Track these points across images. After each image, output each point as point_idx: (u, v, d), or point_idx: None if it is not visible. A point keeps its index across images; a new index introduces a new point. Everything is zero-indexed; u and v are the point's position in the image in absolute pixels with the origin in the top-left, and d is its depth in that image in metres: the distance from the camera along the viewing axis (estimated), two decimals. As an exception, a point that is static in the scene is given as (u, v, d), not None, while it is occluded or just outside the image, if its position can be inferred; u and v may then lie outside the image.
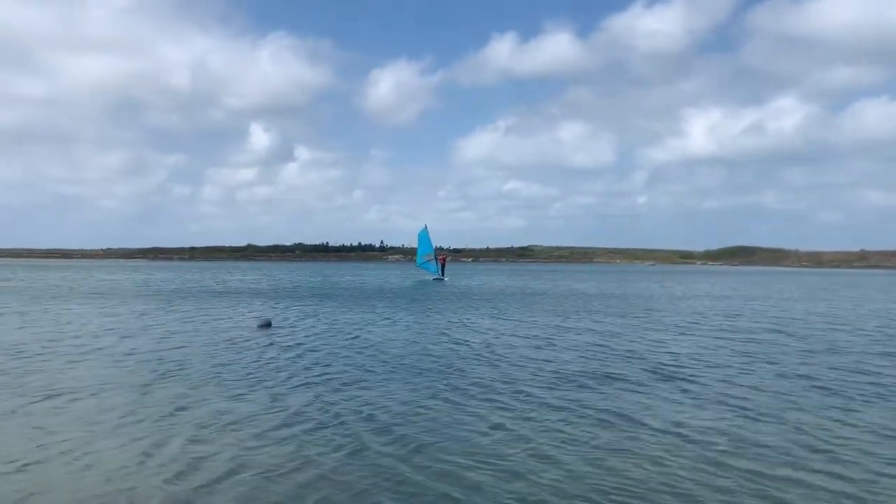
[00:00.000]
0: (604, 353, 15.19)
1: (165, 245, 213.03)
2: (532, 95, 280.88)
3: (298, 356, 14.26)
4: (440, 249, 64.06)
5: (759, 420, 9.27)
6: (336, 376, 12.03)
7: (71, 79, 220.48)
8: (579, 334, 18.61)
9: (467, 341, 16.88)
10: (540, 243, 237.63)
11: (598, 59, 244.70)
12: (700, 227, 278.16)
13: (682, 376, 12.36)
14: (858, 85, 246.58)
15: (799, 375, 12.57)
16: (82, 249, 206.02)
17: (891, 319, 24.42)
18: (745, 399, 10.50)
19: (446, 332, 18.92)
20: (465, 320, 22.16)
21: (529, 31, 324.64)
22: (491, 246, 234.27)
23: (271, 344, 16.07)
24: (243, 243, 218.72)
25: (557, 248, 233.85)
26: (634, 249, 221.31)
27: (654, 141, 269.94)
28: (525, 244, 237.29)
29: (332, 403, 9.94)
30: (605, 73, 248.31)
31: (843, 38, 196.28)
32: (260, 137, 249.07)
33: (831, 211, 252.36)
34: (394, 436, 8.38)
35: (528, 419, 9.18)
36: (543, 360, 14.08)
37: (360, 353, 14.82)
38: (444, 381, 11.65)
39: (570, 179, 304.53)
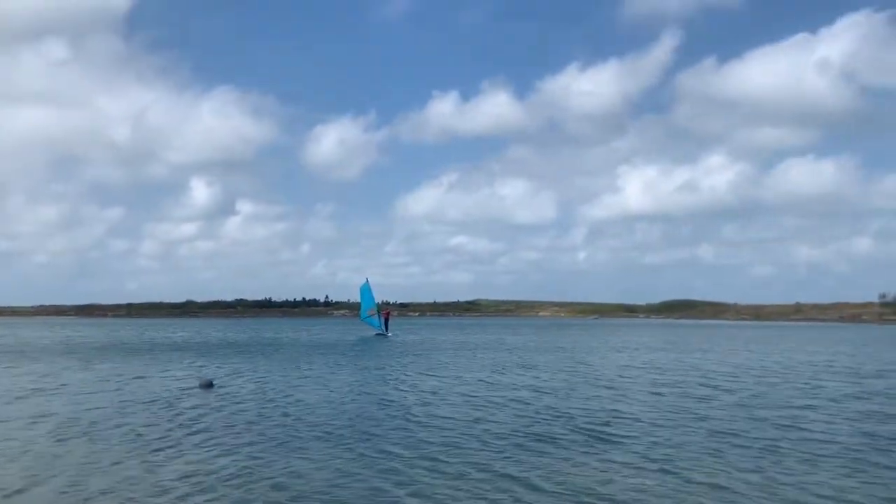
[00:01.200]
0: (529, 411, 14.79)
1: (102, 301, 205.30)
2: (474, 153, 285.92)
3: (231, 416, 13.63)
4: (385, 304, 63.27)
5: (684, 480, 8.97)
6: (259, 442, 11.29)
7: (4, 130, 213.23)
8: (514, 389, 18.22)
9: (396, 401, 16.29)
10: (486, 297, 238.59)
11: (535, 119, 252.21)
12: (641, 281, 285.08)
13: (605, 435, 12.05)
14: (784, 144, 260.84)
15: (722, 432, 12.41)
16: (11, 307, 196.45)
17: (819, 370, 24.82)
18: (668, 459, 10.21)
19: (380, 390, 18.33)
20: (400, 378, 21.56)
21: (469, 90, 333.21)
22: (438, 300, 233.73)
23: (205, 405, 15.33)
24: (183, 299, 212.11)
25: (504, 302, 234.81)
26: (580, 303, 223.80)
27: (593, 198, 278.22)
28: (472, 298, 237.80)
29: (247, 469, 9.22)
30: (543, 132, 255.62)
31: (764, 101, 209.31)
32: (202, 191, 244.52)
33: (765, 265, 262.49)
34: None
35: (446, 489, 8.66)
36: (472, 420, 13.60)
37: (288, 415, 14.10)
38: (365, 446, 11.05)
39: (515, 235, 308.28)
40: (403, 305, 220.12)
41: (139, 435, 11.80)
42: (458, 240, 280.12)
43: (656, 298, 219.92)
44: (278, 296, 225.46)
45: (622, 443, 11.41)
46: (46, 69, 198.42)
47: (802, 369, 25.63)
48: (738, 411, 14.83)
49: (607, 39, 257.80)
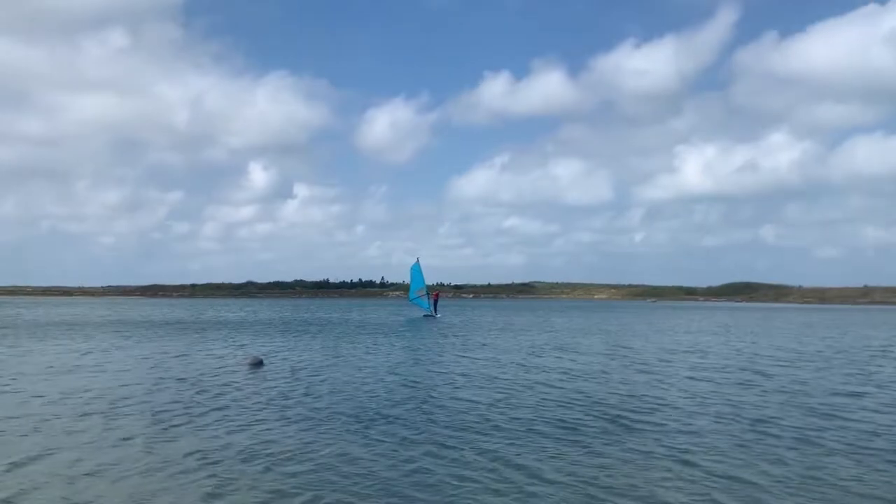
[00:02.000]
0: (555, 395, 14.29)
1: (165, 282, 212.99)
2: (526, 133, 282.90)
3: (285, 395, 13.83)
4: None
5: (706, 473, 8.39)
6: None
7: (69, 117, 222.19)
8: (545, 372, 17.73)
9: (422, 381, 16.04)
10: (541, 279, 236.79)
11: (589, 98, 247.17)
12: (700, 264, 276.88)
13: (628, 422, 11.49)
14: (850, 122, 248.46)
15: (756, 419, 11.67)
16: (82, 287, 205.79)
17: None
18: (689, 449, 9.61)
19: (410, 371, 18.12)
20: (433, 359, 21.32)
21: (521, 70, 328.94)
22: (492, 282, 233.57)
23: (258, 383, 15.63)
24: (243, 280, 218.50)
25: (558, 285, 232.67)
26: (637, 286, 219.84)
27: (649, 178, 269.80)
28: (526, 280, 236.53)
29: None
30: (596, 112, 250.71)
31: (829, 76, 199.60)
32: (259, 175, 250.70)
33: (830, 247, 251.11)
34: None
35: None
36: (492, 402, 13.21)
37: (309, 394, 14.05)
38: (375, 428, 10.81)
39: (569, 216, 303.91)
40: (458, 287, 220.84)
41: (159, 412, 11.88)
42: (512, 221, 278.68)
43: (716, 281, 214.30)
44: (335, 277, 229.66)
45: (644, 430, 10.83)
46: (108, 57, 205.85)
47: (856, 353, 24.26)
48: (775, 398, 13.98)
49: (662, 15, 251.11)
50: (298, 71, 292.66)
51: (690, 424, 11.30)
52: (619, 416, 12.00)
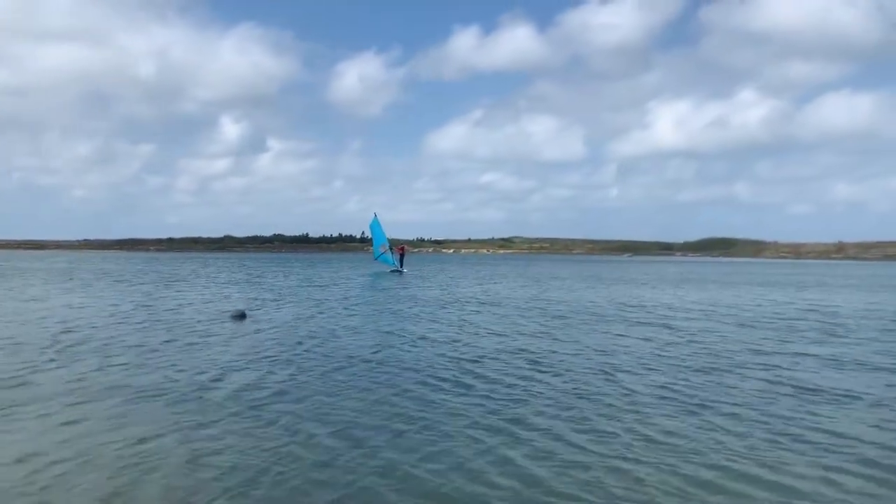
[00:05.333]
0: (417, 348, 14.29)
1: (142, 236, 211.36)
2: (498, 88, 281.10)
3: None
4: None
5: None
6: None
7: (35, 66, 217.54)
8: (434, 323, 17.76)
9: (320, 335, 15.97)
10: (522, 234, 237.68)
11: (558, 54, 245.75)
12: (676, 219, 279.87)
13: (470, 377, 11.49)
14: (816, 79, 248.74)
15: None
16: (57, 240, 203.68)
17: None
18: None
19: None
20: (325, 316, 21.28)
21: (489, 25, 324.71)
22: (473, 237, 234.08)
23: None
24: (221, 234, 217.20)
25: (538, 240, 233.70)
26: (615, 241, 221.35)
27: (622, 134, 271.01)
28: (507, 235, 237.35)
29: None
30: (566, 67, 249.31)
31: (795, 34, 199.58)
32: (231, 128, 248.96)
33: (803, 203, 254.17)
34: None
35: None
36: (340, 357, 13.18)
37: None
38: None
39: (545, 172, 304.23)
40: (438, 242, 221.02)
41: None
42: (489, 177, 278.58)
43: (693, 236, 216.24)
44: (315, 232, 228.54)
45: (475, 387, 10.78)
46: (69, 6, 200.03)
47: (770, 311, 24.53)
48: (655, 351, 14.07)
49: None
50: (266, 23, 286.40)
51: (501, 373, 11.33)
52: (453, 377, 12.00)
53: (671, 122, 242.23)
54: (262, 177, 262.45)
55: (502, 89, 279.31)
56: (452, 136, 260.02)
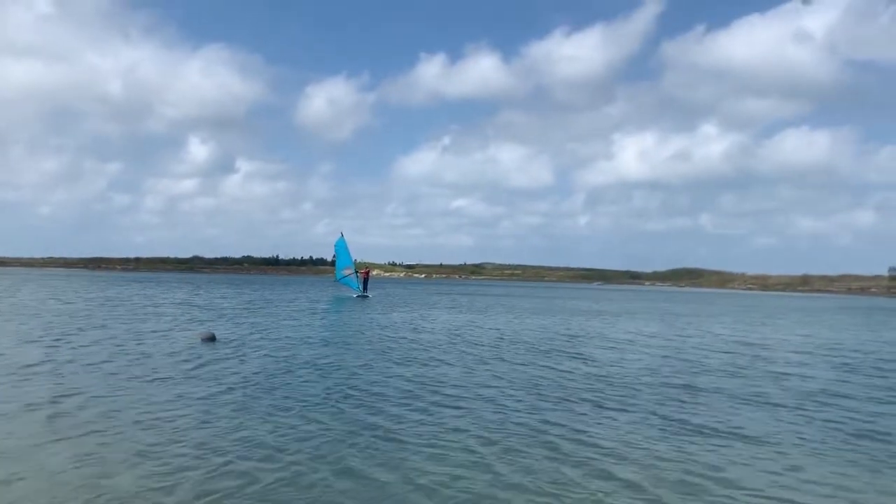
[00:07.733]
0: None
1: (109, 255, 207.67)
2: (465, 116, 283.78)
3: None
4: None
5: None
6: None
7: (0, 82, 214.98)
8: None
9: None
10: (493, 261, 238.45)
11: (523, 84, 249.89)
12: (644, 248, 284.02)
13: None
14: (773, 116, 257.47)
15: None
16: (20, 258, 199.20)
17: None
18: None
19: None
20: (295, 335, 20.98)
21: (455, 54, 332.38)
22: (444, 262, 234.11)
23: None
24: (189, 255, 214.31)
25: (509, 266, 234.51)
26: (585, 269, 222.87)
27: (588, 163, 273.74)
28: (478, 261, 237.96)
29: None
30: (532, 97, 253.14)
31: (751, 71, 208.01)
32: (198, 148, 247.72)
33: (766, 236, 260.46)
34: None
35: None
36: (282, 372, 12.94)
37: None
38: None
39: (514, 199, 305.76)
40: (409, 267, 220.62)
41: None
42: (459, 202, 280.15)
43: (662, 266, 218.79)
44: (285, 254, 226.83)
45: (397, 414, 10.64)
46: (33, 23, 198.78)
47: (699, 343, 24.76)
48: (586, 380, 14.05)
49: (591, 4, 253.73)
50: (233, 45, 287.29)
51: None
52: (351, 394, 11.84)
53: (635, 154, 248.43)
54: (230, 198, 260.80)
55: (470, 116, 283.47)
56: (422, 162, 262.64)
